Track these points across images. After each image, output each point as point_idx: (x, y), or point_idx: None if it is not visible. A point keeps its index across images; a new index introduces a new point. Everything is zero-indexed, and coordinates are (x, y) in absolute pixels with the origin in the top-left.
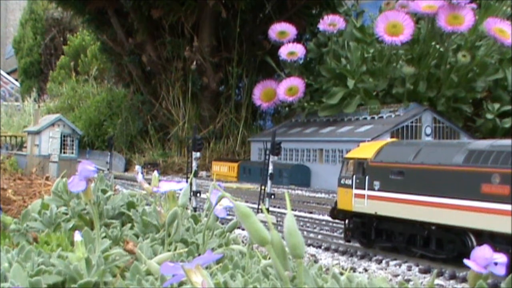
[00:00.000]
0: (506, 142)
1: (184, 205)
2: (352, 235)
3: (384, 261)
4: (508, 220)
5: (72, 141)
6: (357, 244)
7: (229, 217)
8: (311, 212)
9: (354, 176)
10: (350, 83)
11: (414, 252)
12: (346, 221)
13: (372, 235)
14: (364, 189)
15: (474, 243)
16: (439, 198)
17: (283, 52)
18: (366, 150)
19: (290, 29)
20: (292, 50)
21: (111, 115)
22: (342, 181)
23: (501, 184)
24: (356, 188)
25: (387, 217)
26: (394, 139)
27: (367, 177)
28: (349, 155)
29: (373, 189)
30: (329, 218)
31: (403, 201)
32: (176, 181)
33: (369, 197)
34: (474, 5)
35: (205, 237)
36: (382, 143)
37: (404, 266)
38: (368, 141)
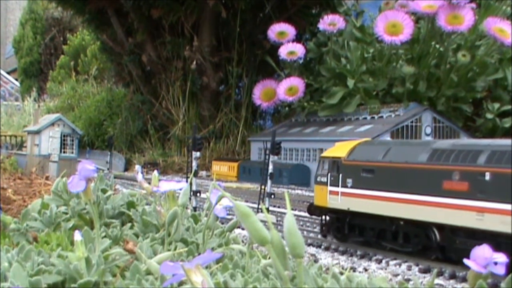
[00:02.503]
0: (466, 141)
1: (184, 205)
2: (328, 230)
3: (384, 261)
4: (467, 214)
5: (72, 140)
6: (357, 244)
7: (229, 216)
8: None
9: (329, 174)
10: (350, 82)
11: (384, 246)
12: (323, 217)
13: (346, 230)
14: (338, 186)
15: (438, 237)
16: (406, 194)
17: (283, 52)
18: (341, 149)
19: (289, 30)
20: (291, 50)
21: (111, 114)
22: (318, 179)
23: (461, 180)
24: (330, 185)
25: (358, 212)
26: (367, 139)
27: (340, 175)
28: (324, 154)
29: (346, 186)
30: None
31: (373, 197)
32: (176, 180)
33: (342, 194)
34: (474, 5)
35: (205, 236)
36: (355, 143)
37: (404, 266)
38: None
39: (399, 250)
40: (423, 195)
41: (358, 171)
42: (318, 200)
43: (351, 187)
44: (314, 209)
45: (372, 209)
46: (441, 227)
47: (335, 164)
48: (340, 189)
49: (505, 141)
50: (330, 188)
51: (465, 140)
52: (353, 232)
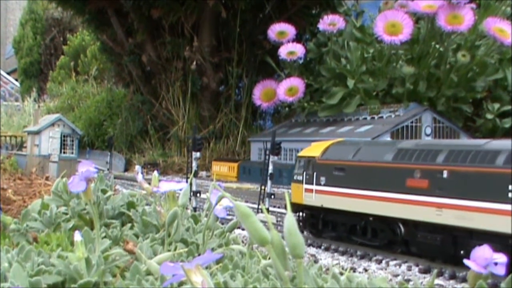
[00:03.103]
0: (428, 142)
1: (184, 205)
2: (304, 226)
3: (384, 261)
4: (427, 210)
5: (72, 141)
6: (357, 244)
7: (229, 217)
8: None
9: (304, 173)
10: (350, 83)
11: (355, 240)
12: (299, 213)
13: (320, 226)
14: (313, 184)
15: (403, 231)
16: (373, 191)
17: (283, 52)
18: (315, 149)
19: (289, 29)
20: (291, 50)
21: (111, 115)
22: (295, 177)
23: (421, 178)
24: (306, 183)
25: (331, 209)
26: (340, 139)
27: (315, 173)
28: (300, 153)
29: (320, 184)
30: None
31: (344, 194)
32: (176, 181)
33: (316, 191)
34: (473, 5)
35: (205, 237)
36: (329, 143)
37: (404, 266)
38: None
39: (368, 244)
40: (388, 192)
41: (330, 169)
42: (295, 197)
43: (324, 185)
44: (292, 206)
45: (343, 205)
46: (405, 222)
47: (310, 163)
48: (314, 187)
49: (464, 141)
50: (305, 186)
51: (427, 141)
52: (326, 228)
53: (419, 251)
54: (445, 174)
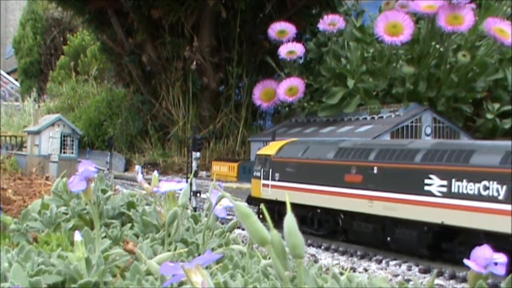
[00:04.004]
0: (364, 141)
1: (184, 205)
2: (262, 218)
3: (384, 261)
4: (361, 202)
5: (72, 141)
6: (357, 244)
7: (229, 217)
8: None
9: (262, 169)
10: (350, 83)
11: (305, 230)
12: (258, 206)
13: (276, 218)
14: (269, 179)
15: (349, 220)
16: (318, 186)
17: (283, 51)
18: (272, 148)
19: (289, 28)
20: (291, 49)
21: (111, 115)
22: (254, 174)
23: (357, 174)
24: (263, 179)
25: (285, 202)
26: (294, 139)
27: (270, 170)
28: (259, 152)
29: (275, 180)
30: None
31: (294, 189)
32: (176, 181)
33: (272, 186)
34: (474, 5)
35: (205, 237)
36: (284, 142)
37: (404, 266)
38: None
39: (315, 234)
40: (330, 187)
41: (283, 166)
42: (254, 192)
43: (278, 180)
44: (251, 200)
45: (294, 199)
46: (345, 213)
47: (267, 160)
48: (270, 182)
49: (392, 141)
50: (263, 181)
51: (363, 140)
52: (281, 220)
53: (355, 239)
54: (375, 170)
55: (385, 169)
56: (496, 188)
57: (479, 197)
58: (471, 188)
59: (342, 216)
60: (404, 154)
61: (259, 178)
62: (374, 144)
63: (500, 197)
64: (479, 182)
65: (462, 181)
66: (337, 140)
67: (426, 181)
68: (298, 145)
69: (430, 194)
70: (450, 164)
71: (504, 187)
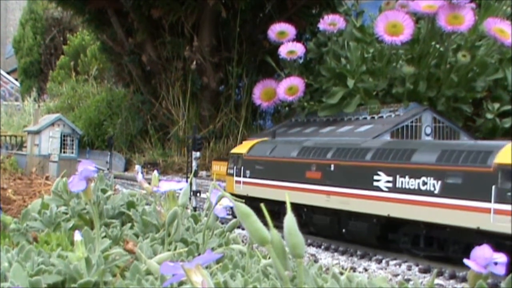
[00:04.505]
0: (323, 140)
1: (184, 205)
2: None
3: (384, 261)
4: (320, 197)
5: (72, 140)
6: (357, 244)
7: (229, 216)
8: None
9: (235, 167)
10: (350, 82)
11: (276, 225)
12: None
13: None
14: (241, 176)
15: (310, 214)
16: (284, 182)
17: (283, 51)
18: (244, 147)
19: (289, 29)
20: (291, 49)
21: (111, 114)
22: (228, 171)
23: (316, 171)
24: (236, 176)
25: (255, 197)
26: (265, 139)
27: (242, 167)
28: (232, 151)
29: (246, 177)
30: None
31: (263, 185)
32: (176, 180)
33: (244, 182)
34: (474, 5)
35: (205, 236)
36: (255, 142)
37: (404, 266)
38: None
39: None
40: (294, 183)
41: (253, 164)
42: (228, 188)
43: (249, 177)
44: None
45: (262, 194)
46: (306, 207)
47: (239, 158)
48: (242, 179)
49: (348, 140)
50: (235, 178)
51: (324, 140)
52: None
53: (315, 231)
54: (332, 167)
55: (341, 166)
56: (432, 183)
57: (418, 192)
58: (412, 183)
59: (305, 210)
60: (357, 152)
61: (232, 175)
62: (332, 143)
63: (436, 192)
64: (419, 178)
65: (405, 177)
66: (302, 140)
67: (375, 177)
68: (267, 144)
69: (378, 189)
70: (395, 162)
71: (439, 182)
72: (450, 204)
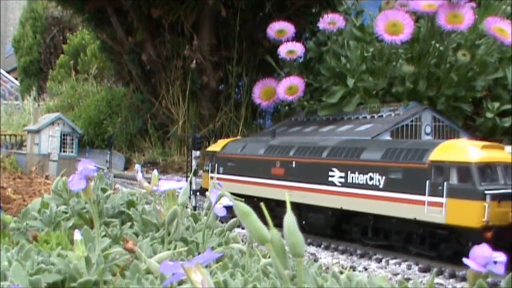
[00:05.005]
0: (287, 139)
1: (183, 204)
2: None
3: (383, 260)
4: (283, 192)
5: (72, 140)
6: (357, 243)
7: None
8: None
9: (210, 164)
10: (350, 82)
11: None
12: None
13: None
14: (215, 173)
15: (274, 207)
16: (252, 178)
17: (282, 51)
18: (218, 145)
19: (288, 27)
20: (291, 49)
21: (111, 114)
22: (204, 168)
23: (280, 167)
24: (211, 172)
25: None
26: (238, 138)
27: (216, 165)
28: (208, 149)
29: (219, 173)
30: None
31: (234, 181)
32: (175, 180)
33: (217, 178)
34: (473, 4)
35: (205, 236)
36: (228, 140)
37: (403, 265)
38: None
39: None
40: (261, 178)
41: (226, 161)
42: (204, 184)
43: (222, 173)
44: (202, 191)
45: (233, 189)
46: (273, 201)
47: (213, 156)
48: (216, 175)
49: (308, 139)
50: (210, 174)
51: (287, 139)
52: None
53: (279, 223)
54: (293, 164)
55: (301, 163)
56: (378, 179)
57: (366, 186)
58: (361, 179)
59: (273, 203)
60: (315, 150)
61: (207, 171)
62: (294, 142)
63: (381, 186)
64: (366, 173)
65: (355, 173)
66: (269, 139)
67: (330, 173)
68: (239, 142)
69: (333, 184)
70: (347, 159)
71: (383, 177)
72: (392, 197)
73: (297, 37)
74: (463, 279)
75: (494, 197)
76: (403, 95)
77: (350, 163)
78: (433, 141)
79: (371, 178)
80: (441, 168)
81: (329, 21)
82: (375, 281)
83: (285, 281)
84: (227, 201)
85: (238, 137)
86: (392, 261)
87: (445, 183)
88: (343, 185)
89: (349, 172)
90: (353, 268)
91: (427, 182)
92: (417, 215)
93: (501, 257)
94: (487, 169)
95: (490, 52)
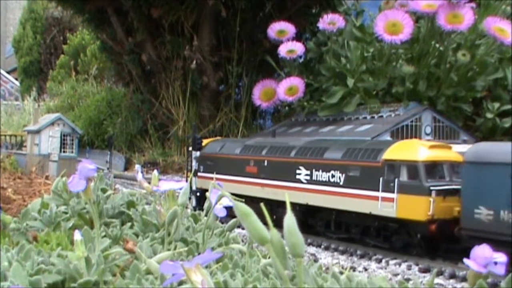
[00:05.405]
0: (260, 140)
1: (183, 204)
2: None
3: (383, 260)
4: (256, 188)
5: (72, 140)
6: (357, 243)
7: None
8: None
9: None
10: (350, 82)
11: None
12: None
13: (200, 201)
14: (198, 171)
15: (249, 203)
16: (230, 176)
17: (283, 50)
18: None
19: (289, 28)
20: (291, 48)
21: (111, 114)
22: (188, 167)
23: (254, 166)
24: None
25: (207, 189)
26: (218, 138)
27: (198, 164)
28: (190, 149)
29: (200, 171)
30: None
31: (212, 178)
32: (175, 180)
33: (199, 177)
34: (473, 4)
35: (205, 236)
36: (209, 140)
37: (403, 265)
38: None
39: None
40: (237, 176)
41: (206, 160)
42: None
43: (202, 172)
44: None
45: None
46: (248, 197)
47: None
48: (199, 174)
49: (279, 140)
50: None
51: (262, 139)
52: (204, 202)
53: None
54: (265, 163)
55: (272, 162)
56: (338, 176)
57: (329, 183)
58: (324, 176)
59: (249, 200)
60: (284, 150)
61: (190, 170)
62: (267, 142)
63: (341, 183)
64: (329, 171)
65: (319, 171)
66: (244, 138)
67: (297, 171)
68: (218, 142)
69: (299, 181)
70: (312, 158)
71: (343, 175)
72: (350, 193)
73: (297, 38)
74: (463, 279)
75: (439, 193)
76: (403, 95)
77: (314, 161)
78: (388, 141)
79: (333, 176)
80: (393, 166)
81: (329, 22)
82: (375, 281)
83: (285, 281)
84: (227, 201)
85: (218, 138)
86: (392, 262)
87: (396, 180)
88: (309, 182)
89: (313, 170)
90: (353, 269)
91: (381, 179)
92: (372, 210)
93: (501, 257)
94: (434, 167)
95: (490, 52)
